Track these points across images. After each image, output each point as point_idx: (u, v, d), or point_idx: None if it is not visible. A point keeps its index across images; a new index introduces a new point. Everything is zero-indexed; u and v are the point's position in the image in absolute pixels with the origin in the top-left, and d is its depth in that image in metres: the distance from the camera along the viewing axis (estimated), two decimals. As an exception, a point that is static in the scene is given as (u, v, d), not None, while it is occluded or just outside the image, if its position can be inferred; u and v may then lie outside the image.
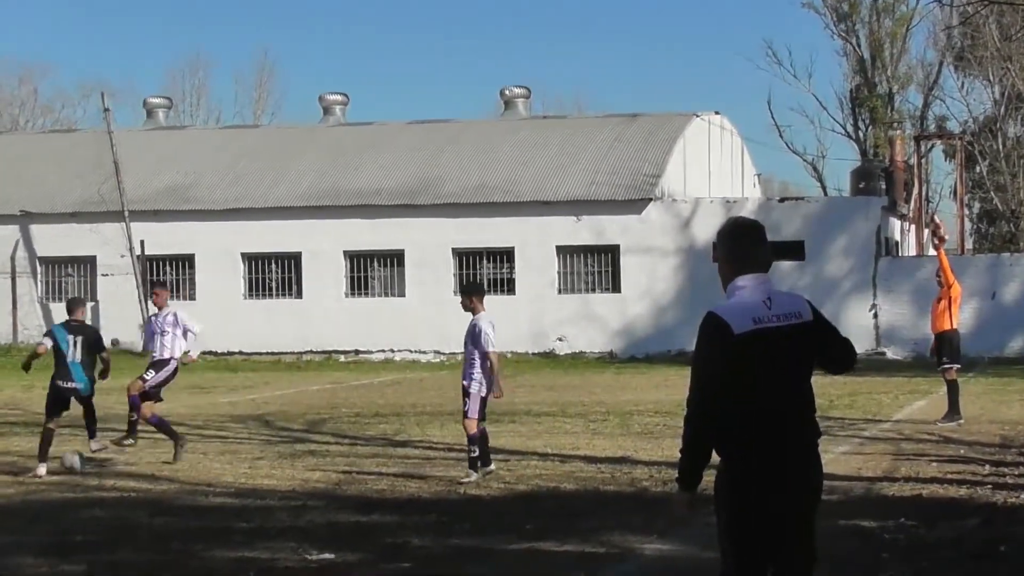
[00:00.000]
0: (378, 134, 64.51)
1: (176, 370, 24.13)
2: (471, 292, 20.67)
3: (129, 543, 15.94)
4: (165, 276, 59.91)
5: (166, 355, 23.89)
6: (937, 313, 28.59)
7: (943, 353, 28.38)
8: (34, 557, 15.08)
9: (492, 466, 20.84)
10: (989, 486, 19.44)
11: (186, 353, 24.46)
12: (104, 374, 23.10)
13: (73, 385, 22.49)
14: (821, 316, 8.77)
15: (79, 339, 22.82)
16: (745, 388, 8.34)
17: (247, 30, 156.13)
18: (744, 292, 8.55)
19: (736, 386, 8.33)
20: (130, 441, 23.09)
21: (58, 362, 22.50)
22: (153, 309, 25.93)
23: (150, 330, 24.99)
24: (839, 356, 8.74)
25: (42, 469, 21.84)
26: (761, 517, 8.37)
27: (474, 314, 20.25)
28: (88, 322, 24.24)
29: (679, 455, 8.50)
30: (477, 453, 20.35)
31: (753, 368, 8.37)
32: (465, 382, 20.25)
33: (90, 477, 21.69)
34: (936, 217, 32.24)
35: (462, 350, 20.58)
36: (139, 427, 24.00)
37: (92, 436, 22.64)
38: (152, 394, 24.09)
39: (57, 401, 22.65)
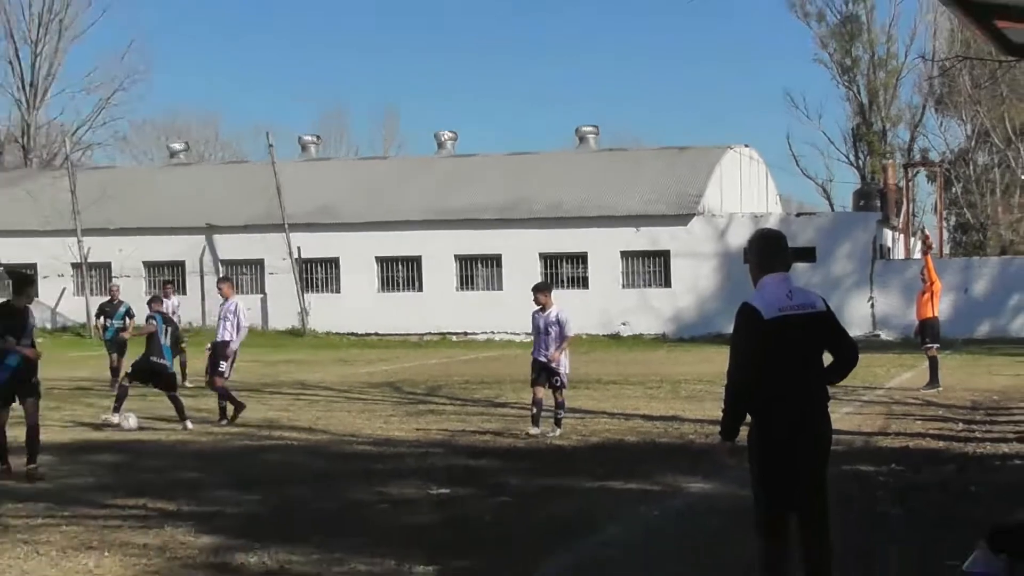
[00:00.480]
0: (480, 163, 64.46)
1: (236, 350, 24.05)
2: (544, 289, 20.19)
3: (294, 480, 16.20)
4: (316, 275, 60.48)
5: (226, 337, 23.63)
6: (921, 303, 28.54)
7: (925, 335, 28.33)
8: (225, 490, 15.44)
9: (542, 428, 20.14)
10: (962, 440, 19.45)
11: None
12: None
13: (163, 362, 22.67)
14: (832, 313, 8.91)
15: (169, 328, 23.21)
16: (772, 368, 8.49)
17: (377, 84, 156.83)
18: (770, 287, 8.71)
19: (766, 366, 8.48)
20: (224, 422, 22.91)
21: (154, 344, 22.60)
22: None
23: (218, 315, 24.73)
24: (846, 354, 8.84)
25: (116, 418, 22.21)
26: (785, 478, 8.57)
27: (546, 307, 19.80)
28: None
29: (721, 414, 8.64)
30: (564, 415, 20.29)
31: (778, 349, 8.51)
32: (555, 364, 19.83)
33: (263, 429, 21.92)
34: (925, 230, 32.06)
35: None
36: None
37: (181, 417, 22.23)
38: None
39: (148, 373, 22.63)
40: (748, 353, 8.56)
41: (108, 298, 31.17)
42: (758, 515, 8.78)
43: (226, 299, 24.46)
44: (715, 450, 9.09)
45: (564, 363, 20.04)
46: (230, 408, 22.98)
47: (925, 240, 29.21)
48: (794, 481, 8.61)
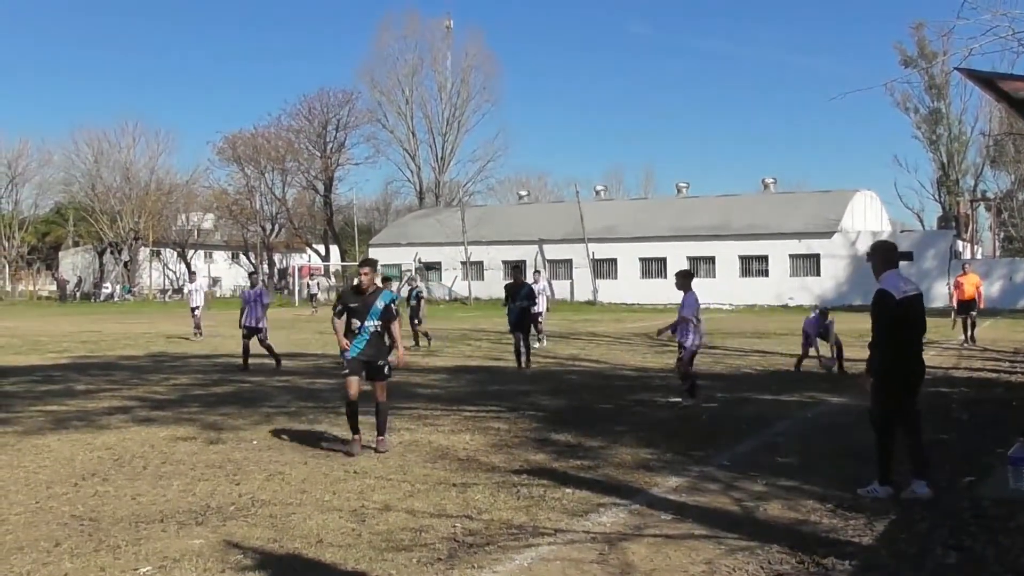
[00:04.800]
0: (702, 201, 63.48)
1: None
2: (688, 277, 14.91)
3: (584, 390, 16.10)
4: (603, 269, 60.35)
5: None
6: (965, 292, 26.26)
7: (970, 310, 26.26)
8: (544, 397, 15.33)
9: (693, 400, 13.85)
10: (1007, 372, 18.41)
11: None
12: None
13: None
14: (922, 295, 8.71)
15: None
16: (899, 330, 8.25)
17: (641, 151, 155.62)
18: (892, 278, 8.40)
19: (896, 330, 8.22)
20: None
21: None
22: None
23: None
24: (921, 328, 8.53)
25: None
26: (898, 392, 8.34)
27: (687, 291, 14.41)
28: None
29: (868, 359, 8.32)
30: (689, 385, 14.15)
31: (903, 319, 8.28)
32: (681, 338, 14.24)
33: (568, 360, 21.78)
34: (963, 269, 28.73)
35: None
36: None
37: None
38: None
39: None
40: (887, 322, 8.22)
41: (511, 280, 26.36)
42: (875, 417, 8.41)
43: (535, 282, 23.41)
44: (861, 379, 8.74)
45: (690, 338, 14.14)
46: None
47: (963, 272, 26.97)
48: (899, 397, 8.34)
